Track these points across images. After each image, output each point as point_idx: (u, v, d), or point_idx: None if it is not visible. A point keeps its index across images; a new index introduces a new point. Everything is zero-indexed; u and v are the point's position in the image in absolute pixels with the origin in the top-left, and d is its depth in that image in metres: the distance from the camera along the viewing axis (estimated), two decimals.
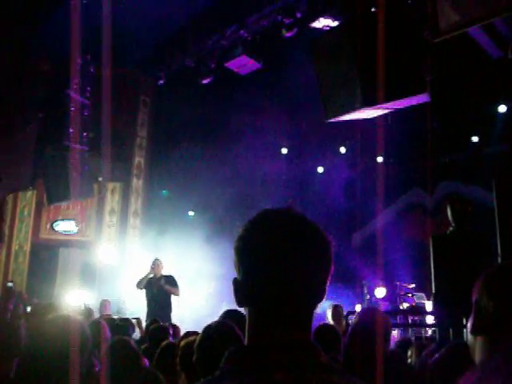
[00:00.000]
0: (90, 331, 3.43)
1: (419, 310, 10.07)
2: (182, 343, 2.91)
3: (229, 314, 2.81)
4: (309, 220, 1.14)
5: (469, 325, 1.36)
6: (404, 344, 4.26)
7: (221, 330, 2.27)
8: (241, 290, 1.11)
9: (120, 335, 3.96)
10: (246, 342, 1.11)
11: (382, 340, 2.74)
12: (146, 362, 4.03)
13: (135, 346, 2.87)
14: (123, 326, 4.72)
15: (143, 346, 4.70)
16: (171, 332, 4.69)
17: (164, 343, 3.76)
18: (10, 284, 10.88)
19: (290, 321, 1.07)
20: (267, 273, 1.07)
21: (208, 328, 2.35)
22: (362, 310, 3.18)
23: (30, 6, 11.08)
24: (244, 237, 1.11)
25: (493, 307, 1.27)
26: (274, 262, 1.06)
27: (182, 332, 4.66)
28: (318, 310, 1.12)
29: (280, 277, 1.06)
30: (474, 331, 1.33)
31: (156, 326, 4.94)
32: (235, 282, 1.13)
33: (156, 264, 8.82)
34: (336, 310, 6.18)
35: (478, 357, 1.32)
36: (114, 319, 5.91)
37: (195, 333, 3.40)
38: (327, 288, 1.13)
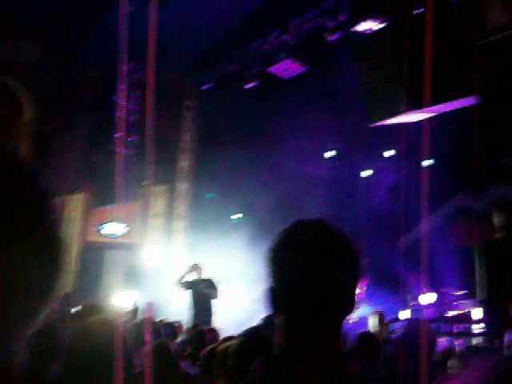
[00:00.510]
0: (132, 333, 3.49)
1: (466, 318, 9.80)
2: (220, 348, 2.92)
3: (269, 319, 2.80)
4: (339, 231, 1.16)
5: (506, 339, 1.31)
6: (446, 354, 4.15)
7: (256, 337, 2.26)
8: (272, 298, 1.14)
9: (161, 339, 4.01)
10: (276, 349, 1.12)
11: (427, 354, 2.69)
12: (188, 365, 4.06)
13: (172, 351, 2.89)
14: (166, 329, 4.77)
15: (186, 352, 4.73)
16: (209, 336, 4.71)
17: (208, 348, 3.77)
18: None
19: (318, 331, 1.09)
20: (297, 283, 1.10)
21: (244, 334, 2.34)
22: (408, 321, 3.12)
23: (79, 13, 11.40)
24: (276, 247, 1.15)
25: None
26: (303, 273, 1.09)
27: (223, 336, 4.67)
28: (361, 316, 1.13)
29: (309, 287, 1.08)
30: None
31: (196, 330, 4.98)
32: (269, 290, 1.15)
33: (196, 268, 8.99)
34: (377, 317, 6.07)
35: None
36: (156, 322, 5.98)
37: (233, 338, 3.40)
38: (364, 296, 1.15)
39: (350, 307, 1.13)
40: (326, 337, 1.09)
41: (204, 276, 9.11)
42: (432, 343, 2.92)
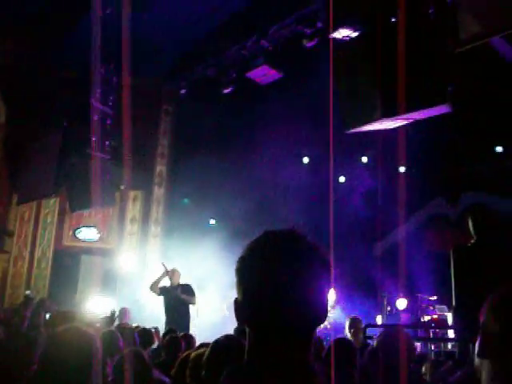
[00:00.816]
0: (106, 340, 3.45)
1: (441, 323, 9.91)
2: (193, 355, 2.90)
3: (242, 327, 2.79)
4: (309, 241, 1.15)
5: (476, 347, 1.33)
6: (420, 359, 4.19)
7: (229, 346, 2.26)
8: (239, 310, 1.13)
9: (135, 346, 3.98)
10: (245, 360, 1.11)
11: (406, 364, 2.70)
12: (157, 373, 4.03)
13: (147, 358, 2.87)
14: (141, 335, 4.73)
15: (161, 358, 4.69)
16: (184, 343, 4.68)
17: (183, 355, 3.75)
18: (28, 292, 11.04)
19: (287, 341, 1.07)
20: (264, 294, 1.08)
21: (216, 343, 2.34)
22: (385, 331, 3.11)
23: (53, 16, 11.29)
24: (244, 258, 1.13)
25: (499, 331, 1.24)
26: (270, 284, 1.07)
27: (198, 342, 4.65)
28: (337, 321, 1.12)
29: (276, 298, 1.07)
30: (479, 354, 1.30)
31: (170, 337, 4.94)
32: (235, 301, 1.14)
33: (173, 273, 8.86)
34: (354, 322, 6.09)
35: (484, 381, 1.28)
36: (131, 328, 5.93)
37: (209, 344, 3.39)
38: (334, 302, 1.14)
39: (319, 317, 1.12)
40: (293, 348, 1.07)
41: (181, 281, 8.98)
42: (410, 350, 2.94)
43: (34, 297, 10.16)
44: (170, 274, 8.86)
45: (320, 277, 1.12)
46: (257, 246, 1.14)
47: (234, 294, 1.13)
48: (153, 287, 8.89)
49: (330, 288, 1.14)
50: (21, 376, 2.71)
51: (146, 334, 5.42)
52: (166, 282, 9.02)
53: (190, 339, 5.01)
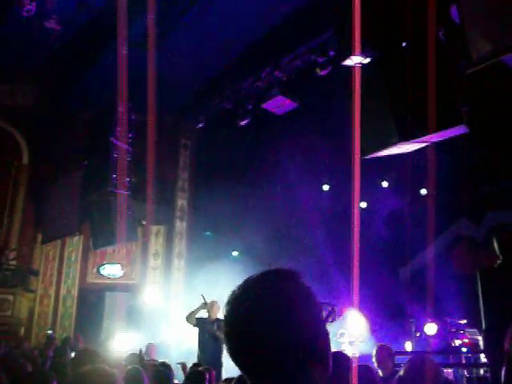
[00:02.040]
0: (130, 377, 3.44)
1: (473, 348, 9.65)
2: None
3: None
4: (295, 282, 1.13)
5: (502, 375, 1.29)
6: None
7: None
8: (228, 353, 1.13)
9: (160, 381, 3.96)
10: None
11: None
12: None
13: None
14: (163, 371, 4.70)
15: None
16: (207, 377, 4.64)
17: None
18: (49, 332, 11.09)
19: (287, 380, 1.06)
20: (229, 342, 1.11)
21: (240, 378, 2.32)
22: (412, 358, 3.03)
23: (72, 56, 11.60)
24: (224, 305, 1.15)
25: None
26: (239, 331, 1.09)
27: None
28: (365, 350, 1.09)
29: (250, 337, 1.07)
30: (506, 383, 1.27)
31: (193, 370, 4.91)
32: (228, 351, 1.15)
33: (212, 305, 8.61)
34: (381, 351, 5.91)
35: None
36: (157, 364, 5.89)
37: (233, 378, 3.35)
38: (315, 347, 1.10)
39: (310, 356, 1.08)
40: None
41: (219, 316, 8.52)
42: (437, 378, 2.87)
43: (55, 336, 10.19)
44: (209, 306, 8.63)
45: (306, 316, 1.10)
46: (240, 287, 1.15)
47: None
48: (189, 318, 8.68)
49: (319, 325, 1.11)
50: None
51: (165, 369, 5.35)
52: (203, 314, 8.78)
53: (212, 373, 4.92)
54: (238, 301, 1.11)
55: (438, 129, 6.09)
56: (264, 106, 10.65)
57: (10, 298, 12.25)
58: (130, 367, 4.28)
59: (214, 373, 4.79)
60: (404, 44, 6.47)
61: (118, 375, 2.42)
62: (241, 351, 1.09)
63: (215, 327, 8.18)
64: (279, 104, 10.44)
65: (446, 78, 6.00)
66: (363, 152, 6.95)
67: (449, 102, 5.95)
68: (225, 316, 1.13)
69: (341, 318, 11.26)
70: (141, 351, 7.35)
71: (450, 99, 5.96)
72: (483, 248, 12.14)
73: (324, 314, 1.15)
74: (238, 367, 1.11)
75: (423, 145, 6.87)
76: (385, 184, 13.55)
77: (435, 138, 6.44)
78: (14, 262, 12.80)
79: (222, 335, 6.55)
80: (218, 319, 8.39)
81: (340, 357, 2.56)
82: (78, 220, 12.79)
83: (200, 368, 4.89)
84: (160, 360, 7.33)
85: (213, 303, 8.64)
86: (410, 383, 2.72)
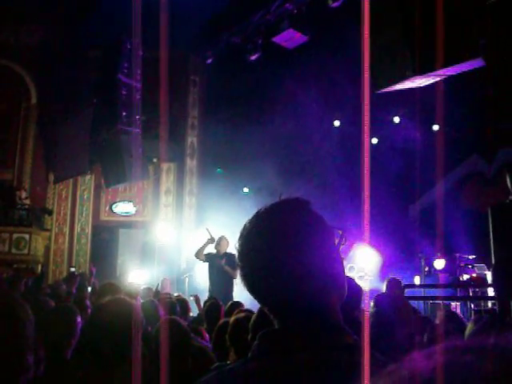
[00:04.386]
0: (145, 310, 3.53)
1: (480, 282, 9.79)
2: (232, 320, 2.95)
3: None
4: (309, 211, 1.14)
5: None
6: (449, 318, 4.10)
7: None
8: (247, 285, 1.13)
9: (173, 314, 4.06)
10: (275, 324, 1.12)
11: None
12: (206, 338, 4.11)
13: (185, 326, 2.92)
14: (178, 304, 4.81)
15: (204, 325, 4.77)
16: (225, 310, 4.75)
17: (221, 321, 3.80)
18: (72, 269, 11.36)
19: (300, 308, 1.08)
20: (263, 267, 1.08)
21: (262, 308, 2.35)
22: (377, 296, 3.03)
23: None
24: (240, 236, 1.14)
25: None
26: (265, 258, 1.08)
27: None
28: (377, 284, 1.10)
29: (273, 269, 1.07)
30: None
31: (209, 303, 5.02)
32: (241, 277, 1.15)
33: (220, 241, 8.73)
34: (391, 283, 6.04)
35: None
36: (172, 298, 6.03)
37: (247, 310, 3.43)
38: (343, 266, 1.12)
39: (329, 279, 1.10)
40: (311, 312, 1.07)
41: (228, 250, 8.65)
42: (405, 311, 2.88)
43: (78, 273, 10.43)
44: (217, 241, 8.74)
45: (319, 241, 1.11)
46: (252, 221, 1.13)
47: None
48: (198, 254, 8.82)
49: (332, 251, 1.13)
50: (67, 345, 2.81)
51: (180, 304, 5.47)
52: (212, 249, 8.92)
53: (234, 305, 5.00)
54: (250, 234, 1.11)
55: (453, 62, 5.95)
56: (274, 39, 10.39)
57: (26, 236, 12.49)
58: (144, 301, 4.40)
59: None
60: None
61: (137, 306, 2.48)
62: (259, 284, 1.10)
63: (223, 262, 8.32)
64: (290, 37, 10.17)
65: (464, 10, 5.81)
66: (377, 86, 6.83)
67: (466, 35, 5.78)
68: (238, 251, 1.13)
69: (350, 251, 11.42)
70: (157, 286, 7.54)
71: (468, 31, 5.79)
72: (494, 184, 12.11)
73: (336, 239, 1.16)
74: (258, 300, 1.12)
75: (438, 79, 6.72)
76: (396, 120, 13.39)
77: (451, 71, 6.29)
78: (27, 202, 12.96)
79: (229, 269, 6.69)
80: (226, 253, 8.54)
81: (350, 282, 2.60)
82: (88, 159, 12.83)
83: (217, 302, 5.01)
84: (174, 295, 7.52)
85: (220, 238, 8.76)
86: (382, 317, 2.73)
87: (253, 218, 1.14)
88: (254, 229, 1.11)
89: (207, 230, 8.92)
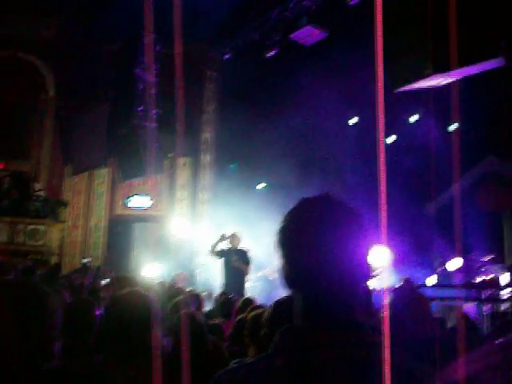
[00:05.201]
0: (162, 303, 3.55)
1: (494, 284, 9.71)
2: (250, 316, 2.95)
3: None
4: (345, 205, 1.19)
5: None
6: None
7: (290, 305, 2.27)
8: (284, 276, 1.17)
9: (187, 309, 4.08)
10: (295, 321, 1.15)
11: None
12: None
13: (201, 320, 2.94)
14: (192, 299, 4.84)
15: (217, 320, 4.79)
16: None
17: (240, 316, 3.81)
18: (85, 260, 11.44)
19: (332, 302, 1.12)
20: (306, 259, 1.12)
21: (278, 303, 2.36)
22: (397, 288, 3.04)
23: None
24: (282, 227, 1.18)
25: None
26: (311, 249, 1.12)
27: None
28: (391, 283, 1.14)
29: (318, 262, 1.11)
30: None
31: (223, 299, 5.05)
32: (281, 269, 1.19)
33: (232, 238, 8.87)
34: (405, 284, 6.02)
35: None
36: (186, 292, 6.06)
37: (260, 306, 3.44)
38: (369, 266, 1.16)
39: (361, 276, 1.15)
40: (340, 307, 1.11)
41: (240, 247, 8.90)
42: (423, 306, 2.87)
43: (91, 265, 10.51)
44: (230, 238, 8.89)
45: (357, 237, 1.15)
46: (292, 213, 1.18)
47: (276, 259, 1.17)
48: (211, 252, 8.96)
49: (368, 248, 1.17)
50: (86, 337, 2.84)
51: (195, 298, 5.50)
52: (224, 245, 9.02)
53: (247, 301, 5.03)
54: (297, 225, 1.15)
55: (473, 61, 5.90)
56: (292, 36, 10.36)
57: (42, 228, 12.59)
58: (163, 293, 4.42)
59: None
60: None
61: (153, 298, 2.50)
62: (301, 275, 1.13)
63: (236, 258, 8.44)
64: (308, 34, 10.14)
65: (486, 10, 5.75)
66: (394, 85, 6.80)
67: (487, 35, 5.72)
68: (281, 240, 1.16)
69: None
70: (172, 279, 7.58)
71: (489, 31, 5.73)
72: (510, 186, 11.99)
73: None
74: (296, 290, 1.16)
75: (457, 78, 6.67)
76: (413, 119, 13.31)
77: (470, 70, 6.24)
78: (42, 193, 13.06)
79: (242, 265, 6.71)
80: (238, 250, 8.68)
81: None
82: (105, 152, 12.92)
83: (230, 297, 5.03)
84: (187, 289, 7.56)
85: (233, 236, 8.89)
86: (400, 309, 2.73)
87: (294, 211, 1.19)
88: (298, 222, 1.16)
89: (223, 235, 9.04)
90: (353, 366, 1.03)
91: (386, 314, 2.48)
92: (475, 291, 9.54)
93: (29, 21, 13.83)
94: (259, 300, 5.47)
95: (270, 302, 2.57)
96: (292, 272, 1.14)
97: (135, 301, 2.25)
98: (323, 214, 1.15)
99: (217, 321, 4.77)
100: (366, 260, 1.15)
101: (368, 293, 2.82)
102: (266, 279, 11.38)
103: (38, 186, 13.09)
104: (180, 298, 4.54)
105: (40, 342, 1.44)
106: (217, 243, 8.93)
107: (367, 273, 1.16)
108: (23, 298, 1.50)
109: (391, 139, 13.51)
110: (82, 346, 2.82)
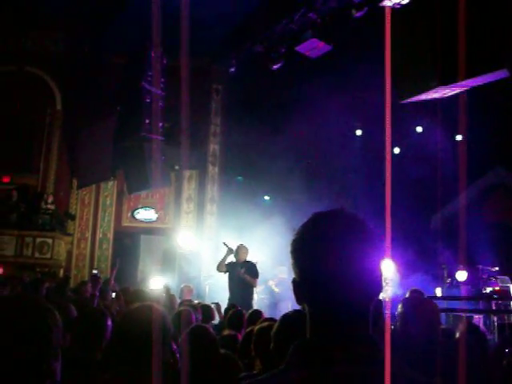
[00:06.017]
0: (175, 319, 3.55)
1: (504, 295, 9.65)
2: (257, 329, 2.95)
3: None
4: (358, 218, 1.19)
5: None
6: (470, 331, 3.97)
7: (298, 319, 2.28)
8: (298, 290, 1.18)
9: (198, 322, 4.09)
10: (308, 336, 1.15)
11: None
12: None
13: (213, 333, 2.95)
14: (202, 310, 4.84)
15: (225, 333, 4.79)
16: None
17: (248, 329, 3.81)
18: (95, 271, 11.46)
19: (346, 317, 1.11)
20: (320, 273, 1.12)
21: (285, 317, 2.36)
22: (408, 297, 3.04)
23: (101, 2, 11.48)
24: (297, 240, 1.18)
25: None
26: (325, 263, 1.12)
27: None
28: (397, 295, 1.15)
29: (331, 275, 1.11)
30: None
31: (232, 311, 5.04)
32: (293, 282, 1.19)
33: (239, 250, 8.72)
34: (413, 295, 5.98)
35: None
36: (193, 305, 6.07)
37: (268, 319, 3.44)
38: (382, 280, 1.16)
39: (374, 290, 1.15)
40: (353, 322, 1.11)
41: (248, 258, 8.73)
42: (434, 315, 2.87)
43: (100, 276, 10.51)
44: (236, 250, 8.73)
45: (371, 252, 1.15)
46: (308, 227, 1.18)
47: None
48: (219, 267, 8.78)
49: (381, 262, 1.17)
50: (98, 348, 2.85)
51: (205, 310, 5.50)
52: (230, 259, 8.86)
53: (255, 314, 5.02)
54: (314, 239, 1.15)
55: (478, 73, 5.92)
56: (297, 49, 10.41)
57: (50, 241, 12.64)
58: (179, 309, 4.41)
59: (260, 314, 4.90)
60: None
61: (165, 313, 2.51)
62: (318, 288, 1.13)
63: (243, 270, 8.29)
64: (313, 47, 10.19)
65: (489, 22, 5.78)
66: (401, 96, 6.82)
67: (490, 47, 5.74)
68: (297, 254, 1.17)
69: None
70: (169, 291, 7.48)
71: (492, 43, 5.76)
72: None
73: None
74: (310, 305, 1.16)
75: (462, 89, 6.69)
76: (419, 129, 13.32)
77: (475, 82, 6.26)
78: (52, 207, 13.12)
79: (249, 278, 6.64)
80: (245, 262, 8.55)
81: None
82: (112, 165, 12.97)
83: (239, 309, 5.03)
84: (194, 302, 7.54)
85: (239, 247, 8.75)
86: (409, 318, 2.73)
87: (308, 224, 1.19)
88: (312, 236, 1.16)
89: (224, 243, 8.93)
90: (367, 383, 1.03)
91: (388, 325, 2.48)
92: (484, 302, 9.48)
93: (36, 35, 13.97)
94: (266, 313, 5.47)
95: (275, 314, 2.58)
96: (306, 286, 1.15)
97: (144, 315, 2.26)
98: (338, 228, 1.15)
99: (226, 333, 4.77)
100: (379, 274, 1.16)
101: (379, 306, 2.81)
102: (271, 291, 11.34)
103: (50, 199, 13.16)
104: (182, 310, 4.54)
105: (37, 359, 1.43)
106: (224, 259, 8.79)
107: (380, 287, 1.16)
108: (16, 315, 1.47)
109: (397, 150, 13.52)
110: (93, 356, 2.83)
